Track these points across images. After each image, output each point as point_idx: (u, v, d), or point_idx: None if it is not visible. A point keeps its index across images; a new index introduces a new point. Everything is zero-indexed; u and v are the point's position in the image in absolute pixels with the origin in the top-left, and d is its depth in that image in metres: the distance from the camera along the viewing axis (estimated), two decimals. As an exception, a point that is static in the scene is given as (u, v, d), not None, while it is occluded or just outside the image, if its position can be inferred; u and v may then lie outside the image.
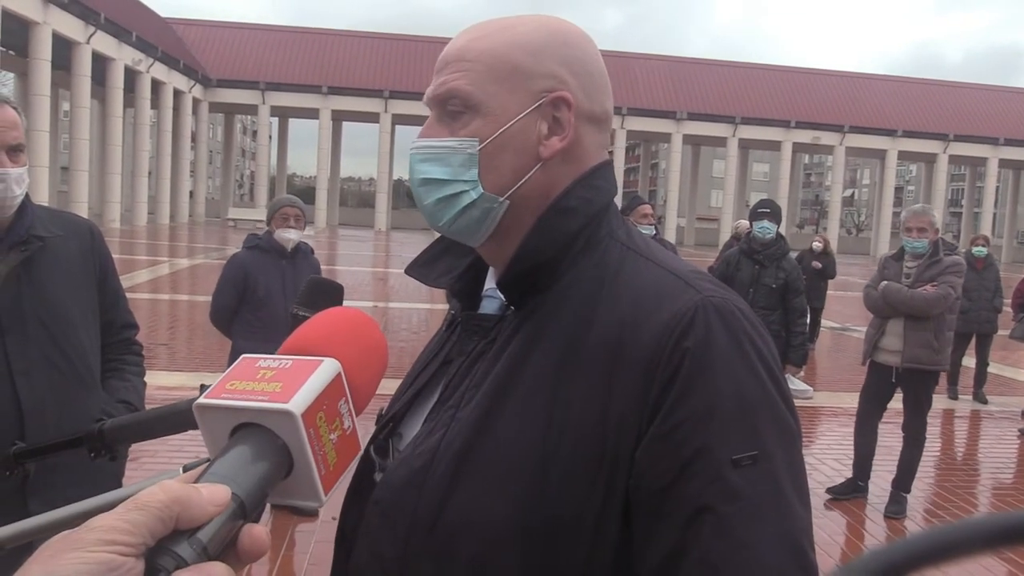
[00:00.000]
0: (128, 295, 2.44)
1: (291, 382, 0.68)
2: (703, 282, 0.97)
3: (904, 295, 5.53)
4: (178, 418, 1.26)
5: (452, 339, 1.10)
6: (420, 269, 1.15)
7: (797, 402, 7.41)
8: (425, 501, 0.94)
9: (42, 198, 26.97)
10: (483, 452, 0.94)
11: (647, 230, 6.24)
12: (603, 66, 1.07)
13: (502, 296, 1.04)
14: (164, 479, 1.08)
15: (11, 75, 36.96)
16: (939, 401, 9.21)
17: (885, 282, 5.67)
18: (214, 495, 0.57)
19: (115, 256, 2.41)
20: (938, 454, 7.24)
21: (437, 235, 1.12)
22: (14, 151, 2.04)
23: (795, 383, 6.04)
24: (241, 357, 0.74)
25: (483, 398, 0.96)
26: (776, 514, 0.85)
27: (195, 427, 1.25)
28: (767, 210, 6.13)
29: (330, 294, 1.08)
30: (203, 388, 0.69)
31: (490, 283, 1.10)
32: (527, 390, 0.94)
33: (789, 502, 0.87)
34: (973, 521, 0.35)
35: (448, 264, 1.15)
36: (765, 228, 6.04)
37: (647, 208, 6.40)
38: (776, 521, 0.85)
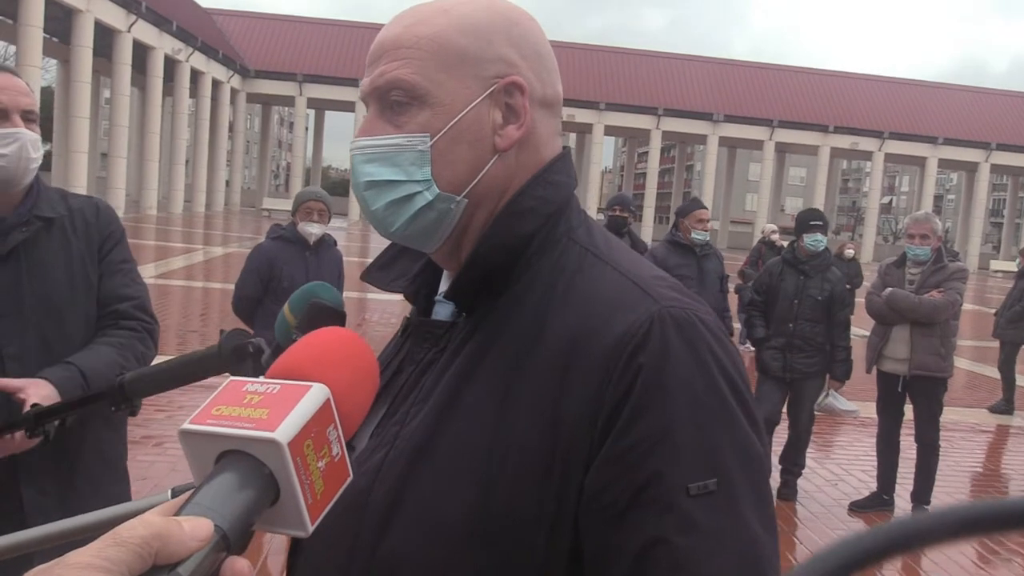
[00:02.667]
0: (162, 282, 2.38)
1: (278, 409, 0.66)
2: (664, 290, 0.89)
3: (911, 301, 5.44)
4: (194, 367, 1.26)
5: (406, 346, 1.02)
6: (376, 273, 1.08)
7: (841, 419, 7.22)
8: (367, 524, 0.89)
9: (81, 183, 27.40)
10: (426, 473, 0.87)
11: (700, 236, 6.05)
12: (550, 47, 0.99)
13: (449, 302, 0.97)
14: (156, 499, 1.07)
15: (54, 61, 37.52)
16: (994, 417, 9.05)
17: (890, 289, 5.58)
18: (196, 529, 0.55)
19: (150, 243, 2.36)
20: (979, 469, 7.11)
21: None
22: (27, 117, 2.04)
23: (840, 401, 5.88)
24: (228, 379, 0.72)
25: (427, 414, 0.90)
26: (737, 545, 0.78)
27: (214, 374, 1.25)
28: (820, 223, 5.90)
29: (330, 319, 1.03)
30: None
31: (444, 286, 1.03)
32: (473, 407, 0.88)
33: (752, 532, 0.80)
34: (928, 514, 0.35)
35: (404, 267, 1.07)
36: (819, 241, 5.83)
37: (704, 213, 6.15)
38: (737, 553, 0.78)
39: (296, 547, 1.01)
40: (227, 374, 1.22)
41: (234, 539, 0.59)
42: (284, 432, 0.63)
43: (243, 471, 0.63)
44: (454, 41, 0.92)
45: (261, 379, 0.71)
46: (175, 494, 1.05)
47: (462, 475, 0.86)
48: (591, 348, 0.84)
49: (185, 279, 15.15)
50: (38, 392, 1.86)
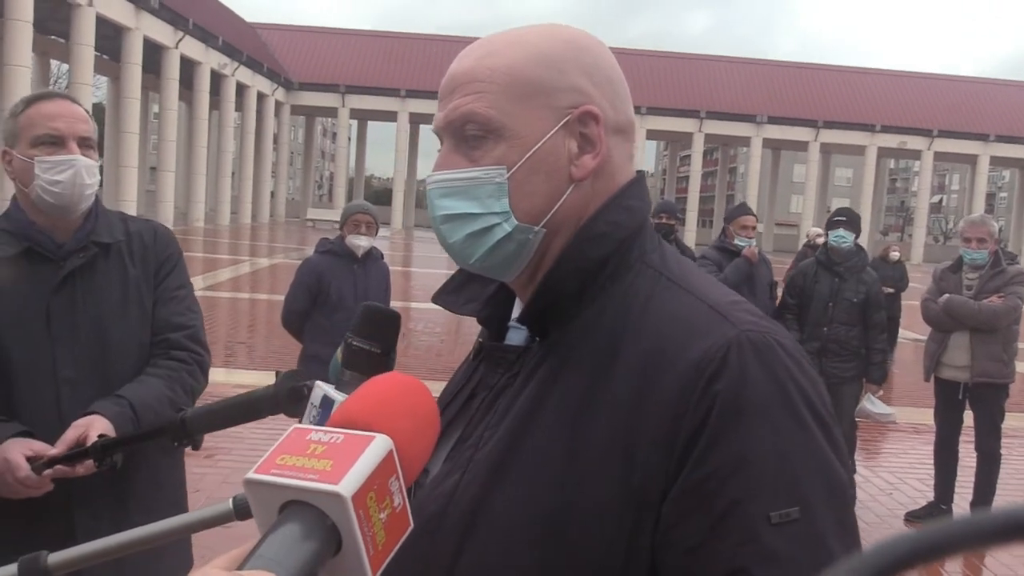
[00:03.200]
0: (210, 293, 2.39)
1: (342, 460, 0.66)
2: (741, 314, 0.88)
3: (971, 308, 5.30)
4: (256, 405, 1.28)
5: (479, 370, 1.03)
6: (447, 297, 1.08)
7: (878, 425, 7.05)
8: (439, 549, 0.88)
9: (131, 198, 28.01)
10: (499, 499, 0.87)
11: (743, 243, 5.97)
12: (620, 71, 0.99)
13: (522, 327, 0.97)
14: (217, 508, 1.08)
15: (104, 79, 38.42)
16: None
17: (947, 295, 5.44)
18: None
19: (198, 255, 2.38)
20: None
21: None
22: (84, 144, 2.07)
23: (876, 404, 5.75)
24: (292, 428, 0.72)
25: (501, 439, 0.89)
26: None
27: (273, 413, 1.26)
28: (843, 218, 5.81)
29: (386, 323, 1.04)
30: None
31: (517, 311, 1.03)
32: (547, 432, 0.87)
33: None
34: (964, 519, 0.35)
35: (475, 291, 1.07)
36: (841, 237, 5.71)
37: (749, 219, 6.05)
38: None
39: None
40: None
41: None
42: (348, 485, 0.64)
43: (306, 522, 0.63)
44: (527, 72, 0.92)
45: (324, 428, 0.72)
46: (236, 504, 1.07)
47: (537, 500, 0.85)
48: (667, 374, 0.83)
49: (232, 291, 15.38)
50: (98, 429, 1.87)
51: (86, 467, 1.82)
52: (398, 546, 0.70)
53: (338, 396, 0.99)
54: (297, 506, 0.65)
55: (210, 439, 2.23)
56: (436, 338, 11.87)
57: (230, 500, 1.08)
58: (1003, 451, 5.59)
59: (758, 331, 0.85)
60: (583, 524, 0.83)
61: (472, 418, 0.96)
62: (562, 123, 0.92)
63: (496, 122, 0.91)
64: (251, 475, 0.67)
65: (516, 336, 1.01)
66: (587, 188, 0.95)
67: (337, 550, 0.65)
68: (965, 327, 5.37)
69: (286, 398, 1.17)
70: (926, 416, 5.98)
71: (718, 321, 0.86)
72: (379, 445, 0.69)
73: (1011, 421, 6.07)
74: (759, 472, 0.79)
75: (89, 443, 1.75)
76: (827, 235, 5.81)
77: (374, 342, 1.02)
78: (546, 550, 0.83)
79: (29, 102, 2.08)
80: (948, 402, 5.59)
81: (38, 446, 1.87)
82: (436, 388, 0.85)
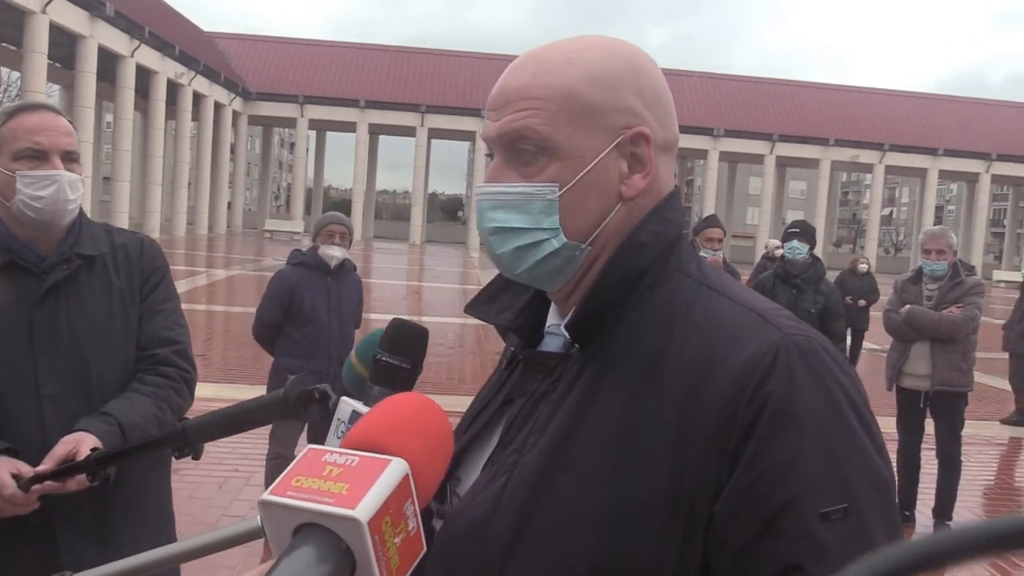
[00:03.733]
0: None
1: (358, 484, 0.66)
2: (784, 319, 0.90)
3: (931, 318, 5.44)
4: (259, 413, 1.26)
5: (512, 378, 1.04)
6: (480, 307, 1.10)
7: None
8: (490, 553, 0.89)
9: (84, 207, 27.37)
10: (549, 502, 0.88)
11: (706, 254, 5.84)
12: (667, 87, 1.01)
13: (565, 333, 0.97)
14: (246, 524, 1.06)
15: (57, 87, 37.72)
16: (1007, 429, 9.01)
17: (909, 306, 5.57)
18: None
19: None
20: (994, 481, 7.08)
21: (473, 255, 1.06)
22: (68, 158, 2.03)
23: None
24: (308, 448, 0.72)
25: (548, 443, 0.90)
26: None
27: (282, 418, 1.25)
28: (796, 230, 5.92)
29: (415, 338, 1.04)
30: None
31: (552, 319, 1.04)
32: (594, 436, 0.88)
33: None
34: (961, 528, 0.34)
35: (509, 300, 1.09)
36: (795, 248, 5.82)
37: (713, 232, 6.04)
38: None
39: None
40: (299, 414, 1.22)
41: None
42: (364, 510, 0.64)
43: (321, 546, 0.63)
44: (583, 93, 0.93)
45: (340, 450, 0.72)
46: (259, 500, 1.05)
47: (586, 504, 0.86)
48: (716, 378, 0.85)
49: (188, 303, 15.14)
50: (89, 445, 1.84)
51: (78, 482, 1.78)
52: (411, 570, 0.70)
53: (366, 411, 0.99)
54: (312, 528, 0.64)
55: (205, 446, 2.20)
56: (438, 348, 11.78)
57: (259, 517, 1.08)
58: (963, 457, 5.72)
59: (803, 335, 0.87)
60: (635, 525, 0.84)
61: (512, 424, 0.97)
62: (615, 143, 0.94)
63: (551, 141, 0.93)
64: (267, 496, 0.66)
65: (552, 343, 1.03)
66: (633, 205, 0.97)
67: (351, 572, 0.65)
68: (926, 337, 5.49)
69: (296, 402, 1.16)
70: (888, 424, 6.08)
71: (763, 326, 0.88)
72: (395, 469, 0.69)
73: (970, 428, 6.21)
74: (810, 471, 0.80)
75: (80, 458, 1.71)
76: (783, 246, 5.90)
77: (403, 357, 1.02)
78: (598, 551, 0.84)
79: (11, 114, 2.03)
80: (909, 410, 5.70)
81: (24, 468, 1.82)
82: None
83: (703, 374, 0.86)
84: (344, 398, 1.04)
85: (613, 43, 0.98)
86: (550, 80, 0.93)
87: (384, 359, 1.03)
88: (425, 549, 0.72)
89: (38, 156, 1.99)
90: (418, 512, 0.71)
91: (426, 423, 0.79)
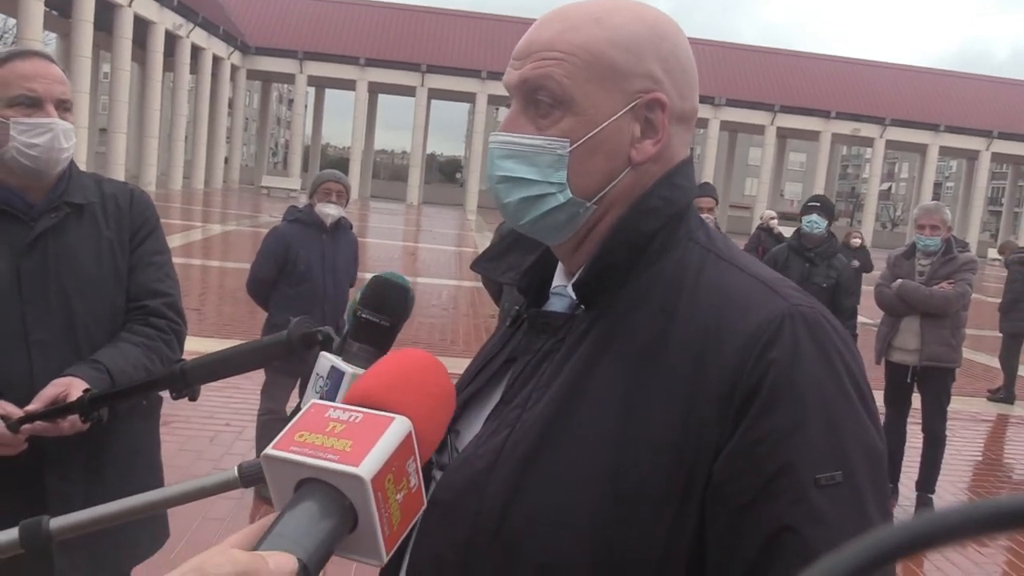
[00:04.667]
0: None
1: (361, 441, 0.67)
2: (790, 290, 0.93)
3: (923, 293, 5.47)
4: (260, 354, 1.26)
5: (516, 336, 1.06)
6: (487, 264, 1.12)
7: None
8: (488, 504, 0.90)
9: (80, 159, 27.20)
10: (551, 456, 0.90)
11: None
12: (693, 59, 1.01)
13: (571, 294, 0.99)
14: (222, 475, 1.08)
15: (53, 35, 37.23)
16: (994, 406, 9.10)
17: (900, 280, 5.60)
18: (280, 566, 0.57)
19: None
20: (979, 457, 7.16)
21: (470, 217, 1.07)
22: (62, 106, 2.02)
23: None
24: (311, 403, 0.73)
25: (552, 399, 0.92)
26: None
27: (279, 360, 1.25)
28: (816, 204, 5.92)
29: (396, 295, 1.04)
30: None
31: (558, 280, 1.06)
32: (599, 393, 0.90)
33: (873, 525, 0.83)
34: (944, 512, 0.35)
35: (515, 259, 1.10)
36: (814, 222, 5.82)
37: (704, 201, 6.07)
38: None
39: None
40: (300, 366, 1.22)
41: (314, 570, 0.60)
42: (368, 467, 0.64)
43: (324, 501, 0.64)
44: (607, 53, 0.94)
45: (343, 405, 0.72)
46: (241, 472, 1.07)
47: (589, 461, 0.88)
48: (722, 343, 0.87)
49: (183, 257, 15.08)
50: (80, 388, 1.84)
51: (71, 423, 1.79)
52: (412, 524, 0.71)
53: (346, 368, 0.99)
54: (314, 484, 0.65)
55: (165, 407, 2.21)
56: (431, 311, 11.80)
57: (235, 468, 1.09)
58: (947, 432, 5.78)
59: (807, 306, 0.90)
60: (636, 482, 0.86)
61: (516, 381, 0.98)
62: (630, 107, 0.95)
63: (568, 94, 0.94)
64: (270, 451, 0.67)
65: (557, 303, 1.04)
66: (644, 171, 0.98)
67: (352, 528, 0.65)
68: (917, 312, 5.52)
69: (299, 343, 1.17)
70: (875, 398, 6.14)
71: (770, 296, 0.91)
72: (399, 427, 0.70)
73: (956, 404, 6.27)
74: (809, 438, 0.83)
75: (71, 400, 1.72)
76: (800, 220, 5.90)
77: (383, 315, 1.03)
78: (600, 507, 0.86)
79: (3, 60, 2.00)
80: (897, 385, 5.75)
81: (11, 409, 1.83)
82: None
83: (710, 340, 0.88)
84: (324, 353, 1.04)
85: (641, 8, 0.99)
86: (575, 37, 0.95)
87: (364, 316, 1.03)
88: (425, 504, 0.73)
89: (32, 104, 1.98)
90: (419, 469, 0.72)
91: (429, 381, 0.80)
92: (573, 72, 0.94)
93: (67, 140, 2.02)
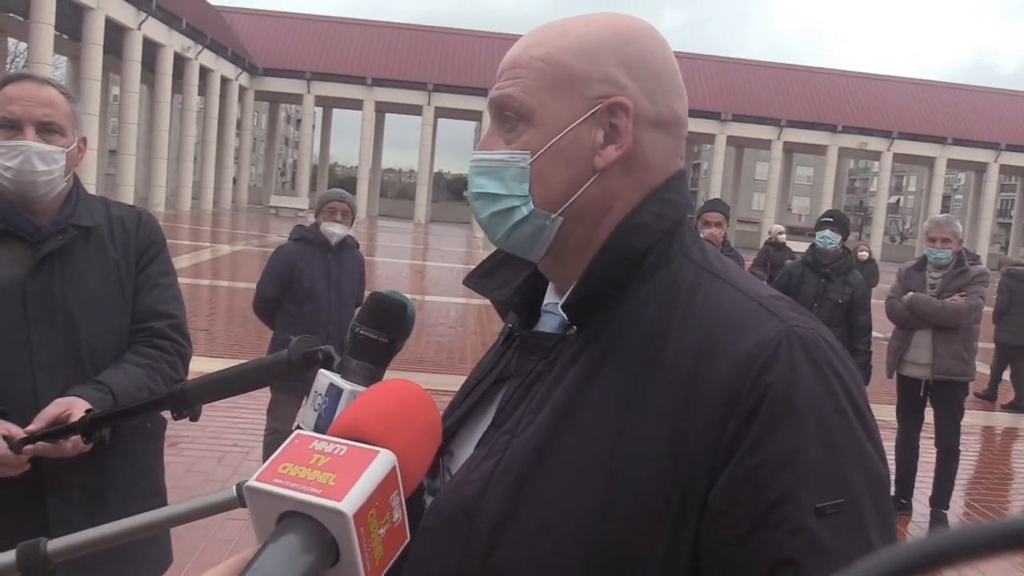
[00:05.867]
0: None
1: (345, 475, 0.66)
2: (787, 310, 0.89)
3: (934, 306, 5.42)
4: (261, 373, 1.25)
5: (508, 355, 1.03)
6: (479, 280, 1.09)
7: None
8: (478, 531, 0.88)
9: (90, 180, 27.44)
10: (540, 484, 0.87)
11: (704, 234, 6.04)
12: (672, 62, 0.98)
13: (563, 313, 0.96)
14: (221, 495, 1.06)
15: (64, 59, 37.59)
16: (983, 417, 9.05)
17: (912, 293, 5.55)
18: None
19: None
20: (993, 471, 7.09)
21: (477, 235, 1.07)
22: (45, 129, 2.02)
23: None
24: (295, 434, 0.72)
25: (541, 425, 0.89)
26: None
27: (284, 378, 1.24)
28: (831, 219, 5.88)
29: (394, 312, 1.03)
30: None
31: (550, 298, 1.04)
32: (589, 419, 0.87)
33: None
34: (963, 529, 0.34)
35: (507, 275, 1.08)
36: (827, 238, 5.78)
37: (712, 216, 6.07)
38: None
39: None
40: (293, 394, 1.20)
41: None
42: (350, 503, 0.64)
43: (306, 535, 0.63)
44: (564, 62, 0.94)
45: (328, 437, 0.72)
46: (240, 492, 1.05)
47: (580, 488, 0.85)
48: (717, 365, 0.84)
49: (192, 277, 15.17)
50: (83, 408, 1.84)
51: (74, 443, 1.78)
52: (394, 559, 0.70)
53: (345, 385, 0.98)
54: (296, 517, 0.64)
55: (172, 428, 2.19)
56: (431, 328, 11.81)
57: (234, 488, 1.07)
58: (961, 447, 5.72)
59: (805, 328, 0.86)
60: (627, 511, 0.83)
61: (506, 404, 0.96)
62: (590, 113, 0.93)
63: (528, 107, 0.94)
64: (252, 483, 0.66)
65: (549, 321, 1.02)
66: (613, 180, 0.95)
67: (334, 562, 0.65)
68: (928, 325, 5.48)
69: (299, 363, 1.15)
70: (887, 412, 6.09)
71: (766, 316, 0.87)
72: (383, 461, 0.69)
73: (969, 418, 6.22)
74: (808, 465, 0.79)
75: (73, 420, 1.71)
76: (815, 236, 5.88)
77: (381, 332, 1.01)
78: (588, 535, 0.84)
79: (0, 85, 2.04)
80: (910, 399, 5.69)
81: (13, 429, 1.82)
82: (433, 383, 0.85)
83: (704, 362, 0.85)
84: (322, 371, 1.03)
85: (614, 17, 0.98)
86: (538, 51, 0.95)
87: (362, 332, 1.01)
88: (409, 538, 0.72)
89: (11, 126, 1.99)
90: (403, 503, 0.71)
91: (416, 413, 0.79)
92: (532, 85, 0.94)
93: (44, 163, 2.00)
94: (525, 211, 0.95)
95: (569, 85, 0.93)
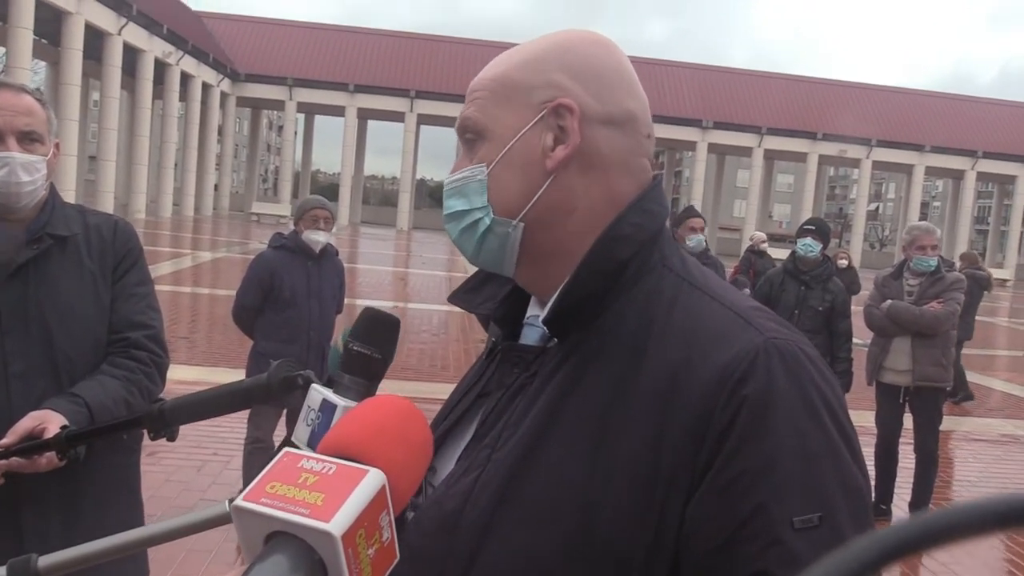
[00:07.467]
0: None
1: (334, 495, 0.66)
2: (765, 321, 0.89)
3: (913, 314, 5.48)
4: (240, 396, 1.24)
5: (491, 369, 1.04)
6: (464, 296, 1.10)
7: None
8: (458, 547, 0.88)
9: (69, 187, 27.22)
10: (520, 498, 0.87)
11: (694, 241, 6.08)
12: (620, 64, 0.99)
13: (543, 327, 0.97)
14: (214, 510, 1.05)
15: (43, 64, 37.30)
16: (960, 422, 9.12)
17: (890, 301, 5.61)
18: None
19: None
20: (972, 476, 7.14)
21: None
22: (26, 138, 1.99)
23: None
24: (283, 452, 0.71)
25: (521, 439, 0.89)
26: None
27: (263, 402, 1.23)
28: (812, 227, 5.94)
29: (386, 328, 1.03)
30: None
31: (532, 310, 1.04)
32: (569, 432, 0.87)
33: None
34: (951, 510, 0.35)
35: (492, 290, 1.09)
36: (808, 246, 5.83)
37: (695, 222, 6.12)
38: None
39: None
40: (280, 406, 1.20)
41: None
42: (339, 523, 0.63)
43: (293, 556, 0.63)
44: (509, 76, 0.98)
45: (317, 456, 0.71)
46: (232, 504, 1.04)
47: (560, 502, 0.85)
48: (694, 378, 0.84)
49: (173, 284, 15.05)
50: (57, 423, 1.80)
51: (48, 459, 1.76)
52: None
53: (338, 400, 0.98)
54: (284, 537, 0.64)
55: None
56: (415, 338, 11.78)
57: (226, 503, 1.06)
58: (939, 452, 5.77)
59: (784, 339, 0.86)
60: (607, 525, 0.83)
61: (487, 418, 0.96)
62: (538, 118, 0.95)
63: (480, 124, 0.98)
64: (240, 502, 0.66)
65: (531, 334, 1.03)
66: (571, 181, 0.96)
67: None
68: (907, 332, 5.53)
69: (279, 387, 1.15)
70: (866, 418, 6.13)
71: (744, 327, 0.87)
72: (372, 480, 0.68)
73: (947, 424, 6.27)
74: (784, 477, 0.80)
75: (47, 436, 1.69)
76: (795, 243, 5.92)
77: (374, 347, 1.01)
78: (567, 549, 0.84)
79: None
80: (889, 405, 5.74)
81: None
82: (390, 387, 0.86)
83: (682, 374, 0.85)
84: (314, 385, 1.03)
85: (562, 33, 1.02)
86: (490, 72, 1.00)
87: (355, 348, 1.01)
88: (398, 558, 0.71)
89: None
90: (393, 522, 0.70)
91: (406, 430, 0.78)
92: (485, 104, 0.98)
93: (28, 173, 1.98)
94: (488, 221, 0.97)
95: (516, 96, 0.97)
